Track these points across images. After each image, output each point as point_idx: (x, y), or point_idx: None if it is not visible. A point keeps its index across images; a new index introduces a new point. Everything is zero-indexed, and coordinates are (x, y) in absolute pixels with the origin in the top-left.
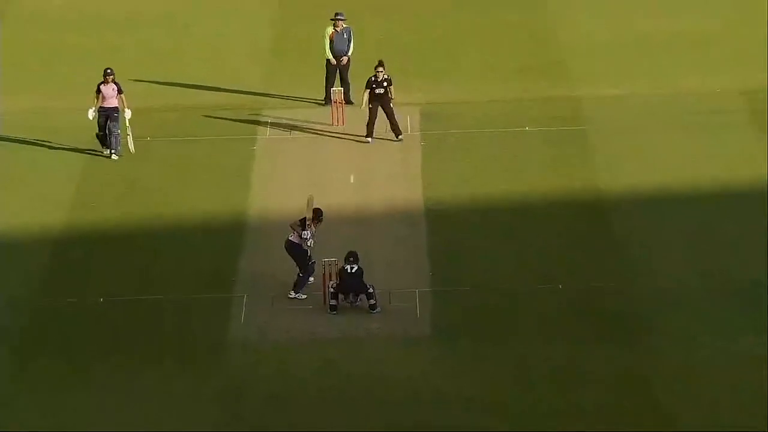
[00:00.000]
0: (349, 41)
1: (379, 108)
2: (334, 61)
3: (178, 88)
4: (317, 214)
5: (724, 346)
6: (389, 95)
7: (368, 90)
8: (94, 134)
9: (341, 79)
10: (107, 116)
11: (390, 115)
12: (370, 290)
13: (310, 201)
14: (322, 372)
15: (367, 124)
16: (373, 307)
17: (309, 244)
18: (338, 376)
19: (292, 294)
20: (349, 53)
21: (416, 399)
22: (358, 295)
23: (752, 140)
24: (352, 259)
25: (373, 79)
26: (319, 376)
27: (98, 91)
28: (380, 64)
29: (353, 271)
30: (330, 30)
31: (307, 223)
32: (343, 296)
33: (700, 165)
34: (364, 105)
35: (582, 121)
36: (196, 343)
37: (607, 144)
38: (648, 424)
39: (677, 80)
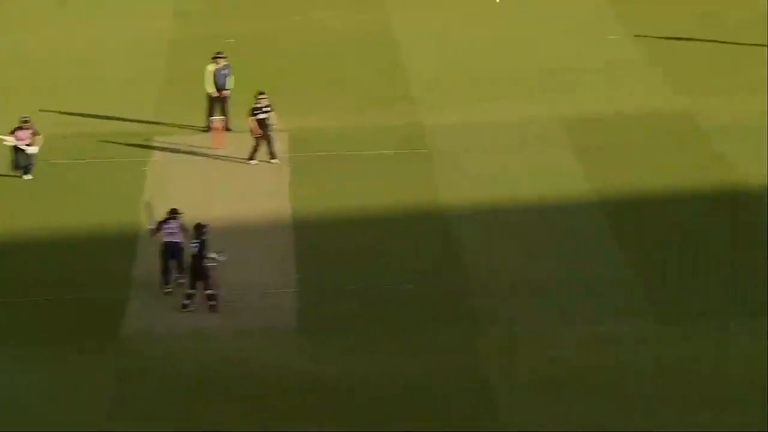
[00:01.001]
0: (229, 76)
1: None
2: (215, 94)
3: (80, 117)
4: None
5: (554, 330)
6: (270, 122)
7: (252, 117)
8: (11, 161)
9: (222, 109)
10: (22, 150)
11: (270, 142)
12: (214, 292)
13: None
14: (202, 358)
15: (253, 148)
16: (213, 308)
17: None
18: (217, 362)
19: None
20: (229, 87)
21: (284, 380)
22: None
23: (569, 159)
24: (197, 234)
25: (255, 106)
26: (200, 362)
27: (12, 133)
28: (261, 92)
29: (196, 251)
30: (212, 67)
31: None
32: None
33: (525, 180)
34: (253, 130)
35: (426, 144)
36: (97, 335)
37: (447, 164)
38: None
39: (505, 109)
